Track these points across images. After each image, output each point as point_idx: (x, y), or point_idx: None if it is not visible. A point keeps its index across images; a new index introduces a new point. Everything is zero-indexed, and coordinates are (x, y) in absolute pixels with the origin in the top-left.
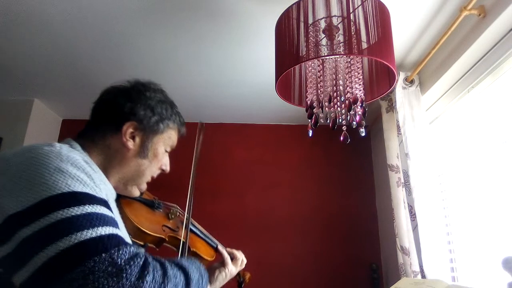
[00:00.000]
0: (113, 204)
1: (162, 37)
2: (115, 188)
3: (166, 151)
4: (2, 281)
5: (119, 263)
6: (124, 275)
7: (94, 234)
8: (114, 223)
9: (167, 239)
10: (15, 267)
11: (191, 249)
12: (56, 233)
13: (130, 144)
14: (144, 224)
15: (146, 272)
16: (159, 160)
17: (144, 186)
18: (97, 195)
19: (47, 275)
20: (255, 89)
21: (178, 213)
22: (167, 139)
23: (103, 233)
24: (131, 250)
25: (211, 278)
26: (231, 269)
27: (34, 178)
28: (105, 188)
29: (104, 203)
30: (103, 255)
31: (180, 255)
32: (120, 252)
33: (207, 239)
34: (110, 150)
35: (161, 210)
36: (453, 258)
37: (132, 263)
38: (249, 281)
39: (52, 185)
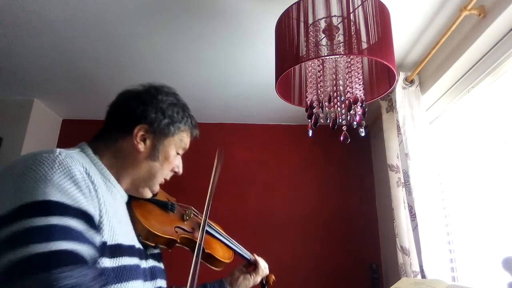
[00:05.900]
0: (122, 207)
1: (162, 37)
2: (127, 190)
3: (178, 153)
4: None
5: (55, 286)
6: None
7: (44, 249)
8: (76, 238)
9: (178, 241)
10: None
11: (206, 251)
12: (13, 242)
13: (141, 146)
14: (154, 226)
15: None
16: (170, 162)
17: (156, 188)
18: (73, 205)
19: None
20: (255, 89)
21: (192, 215)
22: (178, 141)
23: (54, 248)
24: (79, 274)
25: (233, 283)
26: (257, 279)
27: (21, 185)
28: (103, 194)
29: (81, 214)
30: (44, 274)
31: (195, 257)
32: (64, 274)
33: (227, 242)
34: (122, 152)
35: (175, 212)
36: (453, 258)
37: None
38: (274, 284)
39: (31, 192)
